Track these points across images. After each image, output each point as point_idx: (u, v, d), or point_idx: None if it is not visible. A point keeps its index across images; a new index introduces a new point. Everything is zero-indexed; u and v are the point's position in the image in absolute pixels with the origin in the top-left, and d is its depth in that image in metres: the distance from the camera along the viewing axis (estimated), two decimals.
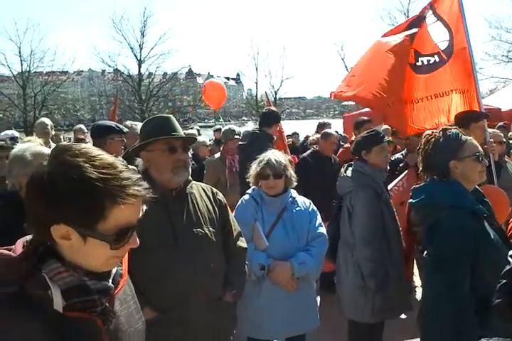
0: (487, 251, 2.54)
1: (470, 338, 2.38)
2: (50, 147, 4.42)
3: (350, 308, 3.81)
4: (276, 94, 40.49)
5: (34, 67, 38.03)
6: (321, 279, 5.33)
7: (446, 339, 2.49)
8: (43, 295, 1.23)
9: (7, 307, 1.18)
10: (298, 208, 3.48)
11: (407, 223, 4.19)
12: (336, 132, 7.70)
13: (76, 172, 1.20)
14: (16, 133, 7.30)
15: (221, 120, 13.05)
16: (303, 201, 3.56)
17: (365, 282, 3.65)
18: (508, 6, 32.22)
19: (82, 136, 7.87)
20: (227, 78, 68.28)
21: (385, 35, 5.60)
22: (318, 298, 3.71)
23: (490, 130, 5.00)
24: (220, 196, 2.85)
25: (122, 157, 3.93)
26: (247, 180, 3.57)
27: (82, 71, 50.51)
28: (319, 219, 3.55)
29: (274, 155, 3.47)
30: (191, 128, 13.18)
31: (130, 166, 1.42)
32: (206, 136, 11.59)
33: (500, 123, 8.80)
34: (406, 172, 5.44)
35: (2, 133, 7.41)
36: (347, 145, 6.70)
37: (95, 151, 1.28)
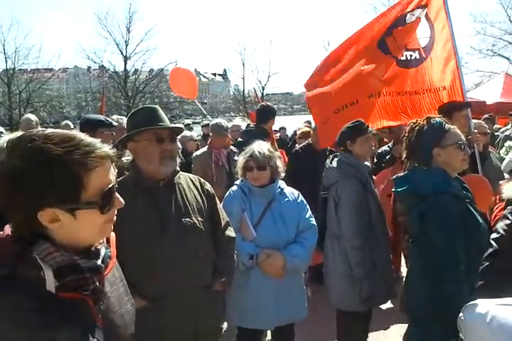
0: (476, 232, 2.61)
1: None
2: None
3: (338, 297, 3.86)
4: (263, 89, 40.54)
5: (19, 64, 37.73)
6: (310, 271, 5.39)
7: (443, 323, 2.52)
8: (35, 276, 1.24)
9: (0, 290, 1.19)
10: (286, 199, 3.51)
11: (392, 213, 4.25)
12: None
13: (41, 155, 1.22)
14: (1, 129, 7.25)
15: (208, 117, 12.97)
16: (291, 192, 3.60)
17: (352, 270, 3.70)
18: (492, 0, 32.49)
19: None
20: (214, 74, 68.17)
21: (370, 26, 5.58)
22: (308, 290, 3.73)
23: (474, 121, 5.08)
24: (208, 186, 2.88)
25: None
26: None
27: (68, 68, 50.15)
28: (309, 210, 3.59)
29: (258, 147, 3.50)
30: (183, 123, 13.07)
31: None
32: (195, 132, 11.55)
33: (486, 115, 8.92)
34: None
35: None
36: None
37: (48, 131, 1.30)
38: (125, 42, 38.63)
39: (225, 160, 5.94)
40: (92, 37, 60.59)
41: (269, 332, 3.74)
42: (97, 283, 1.35)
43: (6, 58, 37.13)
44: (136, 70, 40.56)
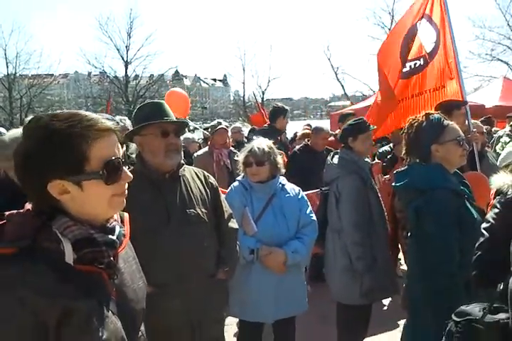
0: (472, 228, 2.64)
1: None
2: None
3: (339, 290, 3.92)
4: (263, 94, 40.65)
5: (20, 69, 37.82)
6: (310, 270, 5.44)
7: (439, 315, 2.59)
8: (55, 248, 1.30)
9: (23, 259, 1.25)
10: (287, 195, 3.58)
11: (390, 210, 4.32)
12: None
13: (46, 131, 1.31)
14: (2, 129, 7.33)
15: (209, 121, 13.07)
16: (292, 188, 3.67)
17: (352, 264, 3.76)
18: (491, 5, 32.69)
19: None
20: (214, 80, 68.35)
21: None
22: (308, 286, 3.80)
23: (472, 121, 5.16)
24: (212, 179, 2.96)
25: None
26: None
27: (68, 73, 50.29)
28: (309, 206, 3.66)
29: (258, 143, 3.58)
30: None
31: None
32: (196, 135, 11.63)
33: (483, 118, 9.01)
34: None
35: None
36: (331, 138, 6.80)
37: (57, 111, 1.40)
38: (126, 47, 38.77)
39: (226, 160, 6.02)
40: (93, 42, 60.67)
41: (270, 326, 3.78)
42: (112, 258, 1.41)
43: (7, 63, 37.24)
44: (136, 76, 40.70)
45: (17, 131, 2.82)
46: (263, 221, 3.45)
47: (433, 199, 2.70)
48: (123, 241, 1.50)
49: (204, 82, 65.83)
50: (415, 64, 5.47)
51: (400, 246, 5.43)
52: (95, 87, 46.45)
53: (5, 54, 36.87)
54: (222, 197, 3.00)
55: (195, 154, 6.70)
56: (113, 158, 1.37)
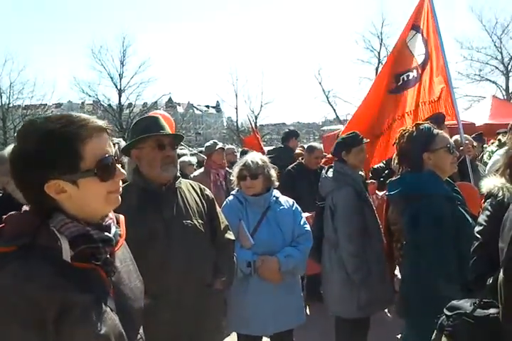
0: (466, 232, 2.66)
1: None
2: None
3: (336, 304, 3.93)
4: (256, 119, 40.90)
5: (14, 98, 37.92)
6: (307, 289, 5.44)
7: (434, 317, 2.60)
8: (53, 246, 1.33)
9: (22, 255, 1.28)
10: (282, 207, 3.61)
11: (385, 222, 4.34)
12: None
13: (40, 131, 1.35)
14: None
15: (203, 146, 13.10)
16: (286, 200, 3.71)
17: (349, 277, 3.78)
18: (477, 26, 33.31)
19: None
20: (207, 106, 68.79)
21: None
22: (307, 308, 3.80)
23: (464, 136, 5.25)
24: (208, 191, 3.00)
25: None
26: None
27: (62, 103, 50.51)
28: (304, 218, 3.70)
29: (251, 157, 3.64)
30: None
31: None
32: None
33: (474, 135, 9.13)
34: None
35: None
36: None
37: (49, 115, 1.46)
38: (119, 75, 39.00)
39: (222, 180, 6.06)
40: (86, 70, 61.08)
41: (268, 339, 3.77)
42: (108, 256, 1.43)
43: (0, 93, 37.32)
44: (130, 104, 40.82)
45: None
46: (259, 234, 3.48)
47: (428, 205, 2.75)
48: (119, 241, 1.52)
49: (197, 108, 66.28)
50: (408, 76, 5.49)
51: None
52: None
53: None
54: (218, 209, 3.04)
55: (191, 175, 6.75)
56: (106, 155, 1.41)
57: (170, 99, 50.05)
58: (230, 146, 9.27)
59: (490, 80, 33.14)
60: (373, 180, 5.95)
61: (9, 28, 56.04)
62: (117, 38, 42.29)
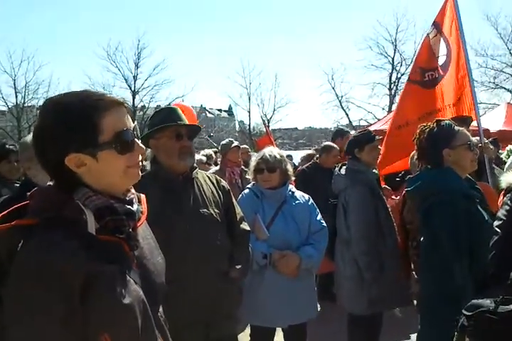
0: (482, 231, 2.66)
1: None
2: None
3: (347, 300, 3.94)
4: (269, 122, 40.88)
5: (29, 98, 38.30)
6: (319, 288, 5.43)
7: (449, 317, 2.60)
8: (78, 218, 1.35)
9: (48, 228, 1.30)
10: (297, 201, 3.64)
11: (400, 221, 4.34)
12: None
13: (59, 107, 1.38)
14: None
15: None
16: (302, 195, 3.74)
17: (361, 274, 3.79)
18: (493, 34, 33.02)
19: None
20: (220, 110, 68.93)
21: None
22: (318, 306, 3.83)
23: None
24: (224, 183, 3.05)
25: None
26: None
27: None
28: (319, 213, 3.72)
29: (269, 150, 3.67)
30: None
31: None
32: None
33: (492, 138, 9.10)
34: None
35: None
36: None
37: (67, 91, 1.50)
38: (133, 77, 39.26)
39: (238, 178, 6.09)
40: (101, 72, 61.35)
41: (281, 333, 3.79)
42: (131, 230, 1.45)
43: (16, 93, 37.72)
44: (143, 106, 41.03)
45: None
46: (274, 227, 3.51)
47: (444, 201, 2.74)
48: (141, 218, 1.54)
49: (210, 112, 66.46)
50: (432, 75, 5.37)
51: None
52: None
53: (14, 84, 37.43)
54: (234, 200, 3.08)
55: (206, 173, 6.78)
56: (125, 128, 1.42)
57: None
58: (245, 146, 9.29)
59: (504, 88, 32.89)
60: (387, 186, 5.89)
61: (26, 28, 56.55)
62: (132, 40, 42.39)
